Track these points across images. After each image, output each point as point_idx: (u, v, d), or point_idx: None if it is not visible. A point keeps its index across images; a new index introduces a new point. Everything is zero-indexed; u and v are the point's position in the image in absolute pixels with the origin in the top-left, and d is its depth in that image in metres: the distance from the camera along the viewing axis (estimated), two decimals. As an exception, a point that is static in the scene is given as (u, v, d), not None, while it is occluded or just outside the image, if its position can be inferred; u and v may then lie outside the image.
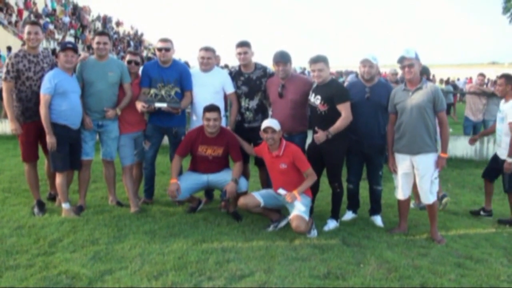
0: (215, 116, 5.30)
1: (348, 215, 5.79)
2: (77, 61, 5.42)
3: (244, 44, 5.64)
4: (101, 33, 5.60)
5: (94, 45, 5.49)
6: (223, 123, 5.63)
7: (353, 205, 5.84)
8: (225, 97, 5.93)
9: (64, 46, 5.27)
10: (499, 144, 6.04)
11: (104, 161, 5.82)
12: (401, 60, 5.03)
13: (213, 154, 5.49)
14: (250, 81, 5.71)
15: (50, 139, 5.18)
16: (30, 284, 3.76)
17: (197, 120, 5.77)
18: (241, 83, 5.73)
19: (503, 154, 5.89)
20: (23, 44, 18.37)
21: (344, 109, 5.08)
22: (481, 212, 6.31)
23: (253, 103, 5.72)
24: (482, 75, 11.43)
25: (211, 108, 5.32)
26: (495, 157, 6.20)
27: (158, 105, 5.49)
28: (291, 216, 5.00)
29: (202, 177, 5.56)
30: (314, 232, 5.09)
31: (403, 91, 5.11)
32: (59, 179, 5.38)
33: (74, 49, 5.27)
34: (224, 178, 5.44)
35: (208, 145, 5.46)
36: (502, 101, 6.08)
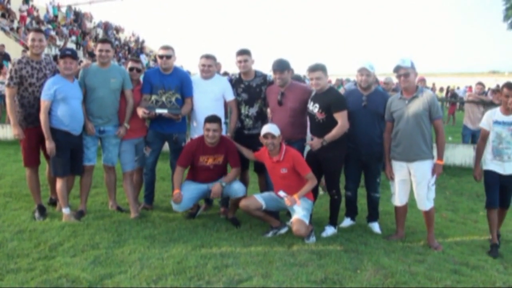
0: (215, 127, 5.36)
1: (346, 222, 5.83)
2: (77, 68, 5.49)
3: (244, 52, 5.70)
4: (104, 41, 5.66)
5: (97, 52, 5.56)
6: (223, 130, 5.69)
7: (351, 212, 5.88)
8: (226, 104, 5.99)
9: (63, 54, 5.33)
10: None
11: (105, 166, 5.88)
12: (397, 69, 5.11)
13: (213, 163, 5.56)
14: (250, 89, 5.78)
15: (49, 145, 5.24)
16: (31, 287, 3.81)
17: (197, 126, 5.82)
18: (241, 90, 5.80)
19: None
20: (24, 51, 18.47)
21: (341, 117, 5.14)
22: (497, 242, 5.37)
23: (253, 111, 5.78)
24: (480, 84, 11.51)
25: (212, 119, 5.38)
26: (496, 178, 5.30)
27: (159, 111, 5.55)
28: (292, 220, 5.06)
29: (203, 186, 5.60)
30: (312, 239, 5.14)
31: (400, 99, 5.17)
32: (59, 184, 5.44)
33: (73, 56, 5.33)
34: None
35: (209, 155, 5.52)
36: (497, 110, 5.33)
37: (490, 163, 5.32)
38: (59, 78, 5.32)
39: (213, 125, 5.36)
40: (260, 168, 5.88)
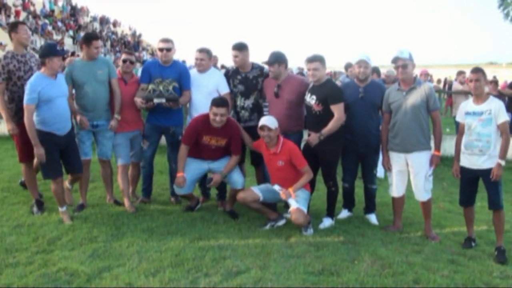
0: (223, 112, 5.26)
1: (344, 214, 5.85)
2: (62, 65, 5.37)
3: (236, 48, 5.72)
4: (96, 37, 5.63)
5: (94, 50, 5.51)
6: None
7: (349, 204, 5.90)
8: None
9: (48, 53, 5.02)
10: (484, 153, 4.81)
11: (101, 160, 5.87)
12: (395, 60, 5.12)
13: (216, 145, 5.51)
14: (246, 80, 5.78)
15: (37, 151, 5.01)
16: (30, 281, 3.83)
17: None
18: (237, 82, 5.80)
19: (487, 163, 4.80)
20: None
21: (337, 110, 5.14)
22: (472, 244, 5.10)
23: (249, 102, 5.78)
24: (462, 72, 11.35)
25: (220, 103, 5.29)
26: (468, 174, 4.98)
27: (157, 101, 5.53)
28: (290, 209, 5.07)
29: (203, 166, 5.61)
30: (310, 231, 5.15)
31: (397, 91, 5.18)
32: (53, 186, 5.25)
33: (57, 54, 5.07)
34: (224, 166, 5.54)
35: (213, 136, 5.45)
36: (470, 100, 5.00)
37: (462, 157, 5.01)
38: (41, 77, 5.00)
39: (220, 109, 5.26)
40: (257, 162, 5.89)
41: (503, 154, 4.75)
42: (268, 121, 5.13)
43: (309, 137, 5.25)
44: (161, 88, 5.63)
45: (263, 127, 5.11)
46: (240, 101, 5.79)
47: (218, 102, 5.30)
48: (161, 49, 5.71)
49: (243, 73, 5.81)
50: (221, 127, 5.39)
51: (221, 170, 5.48)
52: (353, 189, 5.84)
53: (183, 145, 5.53)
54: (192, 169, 5.55)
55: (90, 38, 5.56)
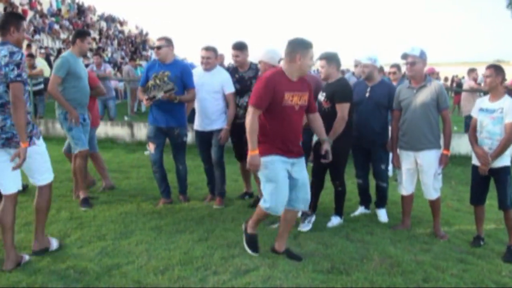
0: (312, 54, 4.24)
1: (360, 210, 5.89)
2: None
3: (237, 47, 5.82)
4: (89, 33, 5.96)
5: (86, 45, 5.75)
6: (223, 122, 5.83)
7: (365, 201, 5.93)
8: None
9: None
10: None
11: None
12: (404, 56, 5.11)
13: (299, 103, 4.21)
14: (242, 80, 5.89)
15: None
16: (39, 278, 3.84)
17: (197, 117, 5.97)
18: (235, 80, 5.90)
19: (497, 162, 4.82)
20: (29, 45, 18.39)
21: (341, 109, 5.12)
22: (481, 242, 5.11)
23: (243, 100, 5.84)
24: (474, 70, 11.29)
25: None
26: (476, 172, 5.00)
27: (158, 96, 5.56)
28: None
29: (287, 166, 4.22)
30: (308, 226, 5.16)
31: (408, 88, 5.17)
32: None
33: None
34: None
35: (295, 92, 4.16)
36: (486, 97, 5.02)
37: (474, 155, 5.03)
38: None
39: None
40: (240, 155, 5.98)
41: (497, 153, 4.76)
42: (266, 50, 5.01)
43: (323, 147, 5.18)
44: (157, 81, 5.65)
45: None
46: (236, 99, 5.88)
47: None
48: (156, 47, 5.77)
49: (241, 73, 5.93)
50: (299, 79, 4.25)
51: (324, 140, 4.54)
52: (367, 185, 5.86)
53: (255, 109, 4.07)
54: (281, 176, 4.16)
55: (85, 33, 5.81)
